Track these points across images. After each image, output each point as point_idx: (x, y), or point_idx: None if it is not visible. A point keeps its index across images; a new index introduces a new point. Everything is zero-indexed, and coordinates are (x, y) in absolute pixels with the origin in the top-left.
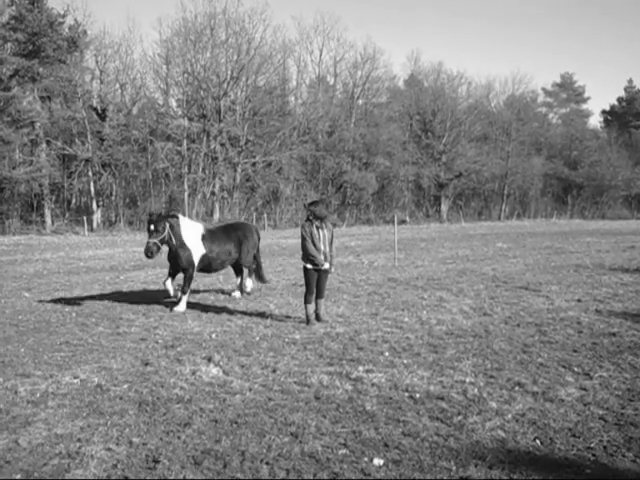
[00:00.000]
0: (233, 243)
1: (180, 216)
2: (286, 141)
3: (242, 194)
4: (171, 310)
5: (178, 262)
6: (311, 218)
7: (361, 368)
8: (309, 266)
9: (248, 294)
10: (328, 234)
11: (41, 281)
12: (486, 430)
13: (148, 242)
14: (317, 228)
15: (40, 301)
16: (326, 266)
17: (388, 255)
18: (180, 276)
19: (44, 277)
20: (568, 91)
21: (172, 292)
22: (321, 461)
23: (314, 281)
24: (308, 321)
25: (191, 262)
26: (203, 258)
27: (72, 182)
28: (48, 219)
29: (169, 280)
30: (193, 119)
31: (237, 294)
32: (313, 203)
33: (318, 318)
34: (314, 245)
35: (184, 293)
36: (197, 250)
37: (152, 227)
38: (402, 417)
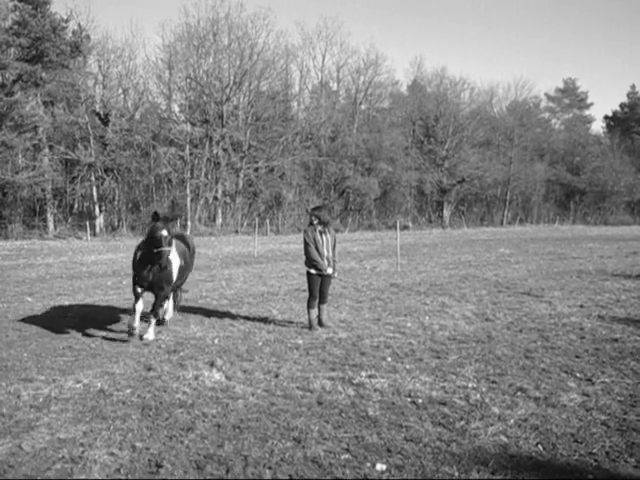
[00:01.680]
0: (188, 250)
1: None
2: (289, 146)
3: (244, 199)
4: (141, 339)
5: (161, 278)
6: (315, 223)
7: (364, 373)
8: (312, 271)
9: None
10: (331, 239)
11: (44, 286)
12: (488, 435)
13: (164, 251)
14: (320, 233)
15: (43, 306)
16: (329, 271)
17: (390, 260)
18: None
19: (47, 282)
20: (571, 97)
21: (138, 322)
22: (324, 466)
23: (317, 286)
24: (311, 326)
25: (171, 279)
26: (179, 271)
27: (75, 187)
28: (51, 224)
29: (140, 303)
30: (196, 124)
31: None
32: (317, 208)
33: (321, 323)
34: (317, 250)
35: (155, 316)
36: (176, 262)
37: (165, 232)
38: (405, 422)
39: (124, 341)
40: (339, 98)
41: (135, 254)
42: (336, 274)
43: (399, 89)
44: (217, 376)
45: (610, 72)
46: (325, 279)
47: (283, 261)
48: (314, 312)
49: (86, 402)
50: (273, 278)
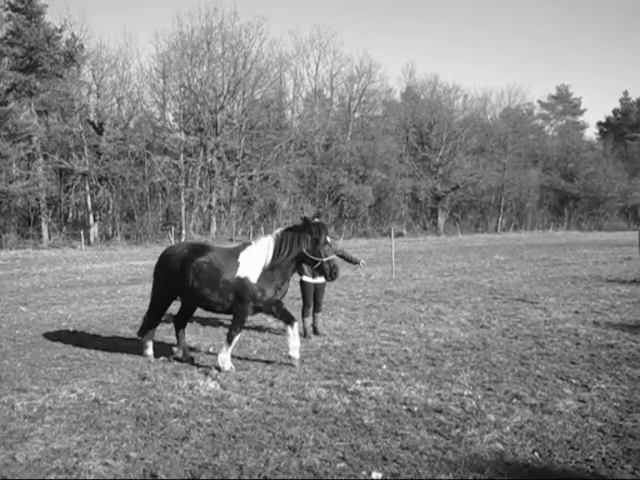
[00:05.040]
0: None
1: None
2: (283, 154)
3: (239, 207)
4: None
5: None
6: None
7: (359, 381)
8: (305, 279)
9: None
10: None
11: (38, 295)
12: (484, 443)
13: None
14: None
15: (37, 315)
16: (320, 280)
17: (385, 268)
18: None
19: (41, 291)
20: (564, 103)
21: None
22: (319, 475)
23: (311, 294)
24: (305, 334)
25: None
26: None
27: (69, 196)
28: (45, 233)
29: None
30: (190, 133)
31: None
32: (318, 215)
33: (316, 331)
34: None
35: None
36: None
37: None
38: (400, 430)
39: (119, 350)
40: (333, 106)
41: (242, 272)
42: (363, 261)
43: (392, 97)
44: (212, 385)
45: (603, 78)
46: (319, 287)
47: None
48: (309, 320)
49: (80, 412)
50: None
